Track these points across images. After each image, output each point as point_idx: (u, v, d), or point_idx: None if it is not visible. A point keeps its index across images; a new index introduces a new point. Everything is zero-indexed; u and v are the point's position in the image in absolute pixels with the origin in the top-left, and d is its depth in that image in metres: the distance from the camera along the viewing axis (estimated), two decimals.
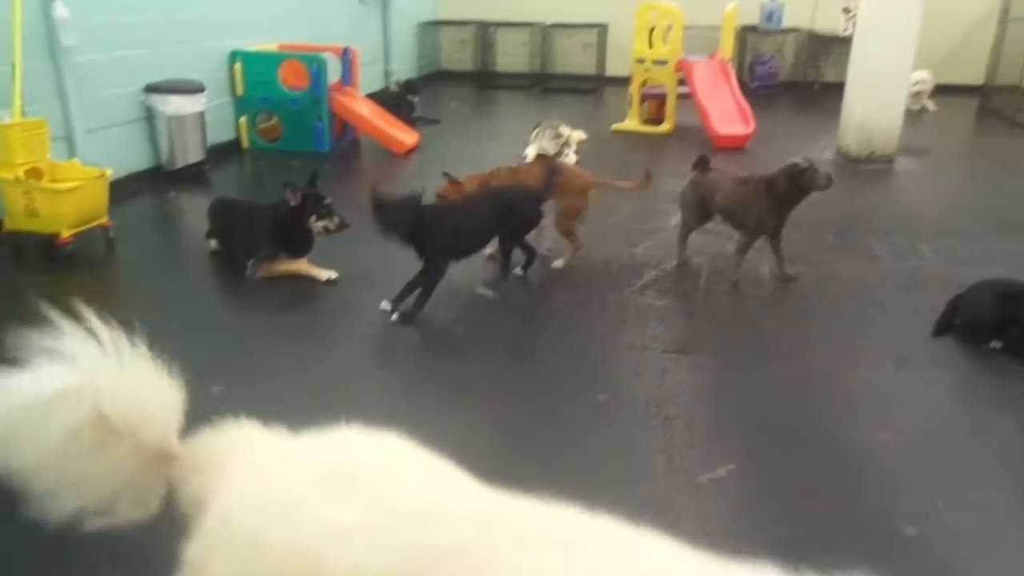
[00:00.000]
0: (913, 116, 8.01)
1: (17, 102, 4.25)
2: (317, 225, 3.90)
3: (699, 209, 4.13)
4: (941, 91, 9.07)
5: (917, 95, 8.66)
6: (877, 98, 6.43)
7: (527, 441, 2.68)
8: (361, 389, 2.96)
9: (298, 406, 2.72)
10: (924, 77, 8.70)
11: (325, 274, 3.92)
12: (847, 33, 9.28)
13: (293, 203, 3.85)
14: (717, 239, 4.63)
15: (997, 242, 4.65)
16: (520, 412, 2.85)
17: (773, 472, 2.52)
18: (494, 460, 2.59)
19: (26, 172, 4.17)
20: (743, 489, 2.42)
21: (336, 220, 3.90)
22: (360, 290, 3.81)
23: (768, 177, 3.79)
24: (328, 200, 3.93)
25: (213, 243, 4.31)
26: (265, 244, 3.96)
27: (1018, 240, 4.69)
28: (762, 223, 3.87)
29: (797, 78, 10.61)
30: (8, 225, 4.25)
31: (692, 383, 3.06)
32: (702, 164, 4.12)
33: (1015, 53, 8.59)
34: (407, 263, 3.55)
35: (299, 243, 3.98)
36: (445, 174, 4.17)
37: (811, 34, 10.37)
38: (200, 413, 1.32)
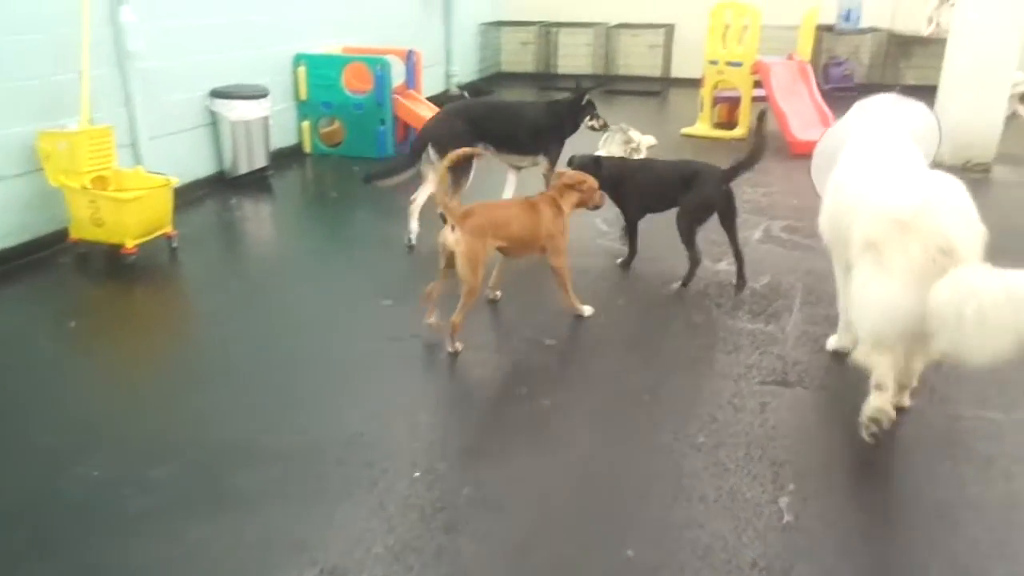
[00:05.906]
0: (1007, 122, 7.47)
1: (85, 110, 4.17)
2: (589, 123, 4.86)
3: None
4: None
5: (1012, 98, 8.10)
6: (975, 101, 5.99)
7: (611, 487, 2.43)
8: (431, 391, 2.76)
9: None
10: (1021, 78, 8.14)
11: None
12: (930, 32, 8.78)
13: (582, 103, 4.79)
14: (808, 255, 4.31)
15: None
16: (601, 454, 2.59)
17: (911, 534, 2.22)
18: (574, 508, 2.35)
19: (92, 181, 4.09)
20: (881, 555, 2.12)
21: (602, 121, 4.93)
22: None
23: None
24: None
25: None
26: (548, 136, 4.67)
27: None
28: None
29: (874, 80, 10.08)
30: (74, 234, 4.18)
31: (797, 420, 2.77)
32: None
33: None
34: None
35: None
36: None
37: (891, 34, 9.85)
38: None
